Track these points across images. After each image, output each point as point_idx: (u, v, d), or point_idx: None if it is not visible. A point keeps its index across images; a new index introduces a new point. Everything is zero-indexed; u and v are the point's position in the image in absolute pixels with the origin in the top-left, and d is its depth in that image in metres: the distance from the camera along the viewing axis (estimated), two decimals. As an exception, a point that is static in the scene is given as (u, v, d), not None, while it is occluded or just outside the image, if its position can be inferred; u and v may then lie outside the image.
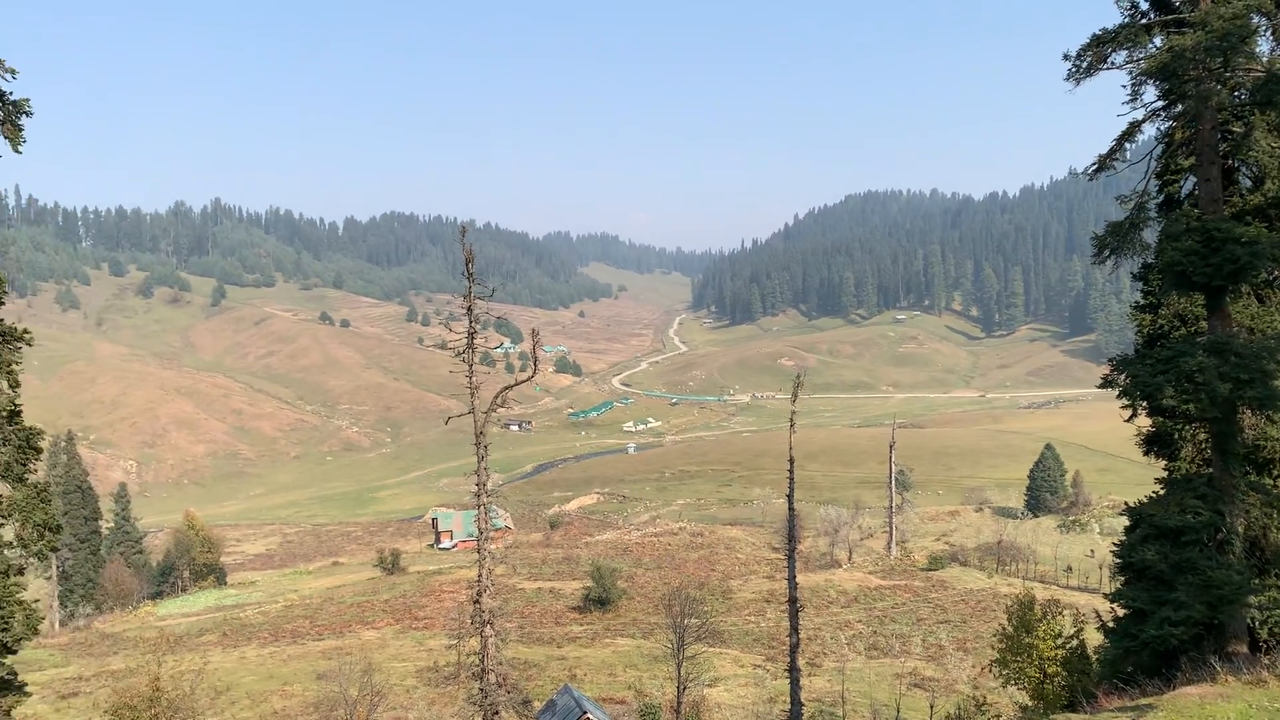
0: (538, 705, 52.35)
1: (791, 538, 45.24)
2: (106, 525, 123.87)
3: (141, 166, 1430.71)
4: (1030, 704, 32.99)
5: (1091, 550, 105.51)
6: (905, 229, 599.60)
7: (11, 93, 25.94)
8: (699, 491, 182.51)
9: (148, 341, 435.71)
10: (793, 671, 43.08)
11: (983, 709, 37.30)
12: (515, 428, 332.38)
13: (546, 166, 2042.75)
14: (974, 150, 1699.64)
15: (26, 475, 26.68)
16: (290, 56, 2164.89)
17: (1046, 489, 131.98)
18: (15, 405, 26.65)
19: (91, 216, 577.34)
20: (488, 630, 36.53)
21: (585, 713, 41.90)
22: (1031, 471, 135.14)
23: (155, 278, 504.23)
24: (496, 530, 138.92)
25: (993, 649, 36.81)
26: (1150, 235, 25.82)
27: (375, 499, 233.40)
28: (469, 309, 35.53)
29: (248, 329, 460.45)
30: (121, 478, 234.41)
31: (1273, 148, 23.33)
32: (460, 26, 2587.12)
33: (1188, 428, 25.71)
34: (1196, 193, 24.86)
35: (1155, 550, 23.06)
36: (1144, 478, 41.44)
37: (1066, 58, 24.46)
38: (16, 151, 26.33)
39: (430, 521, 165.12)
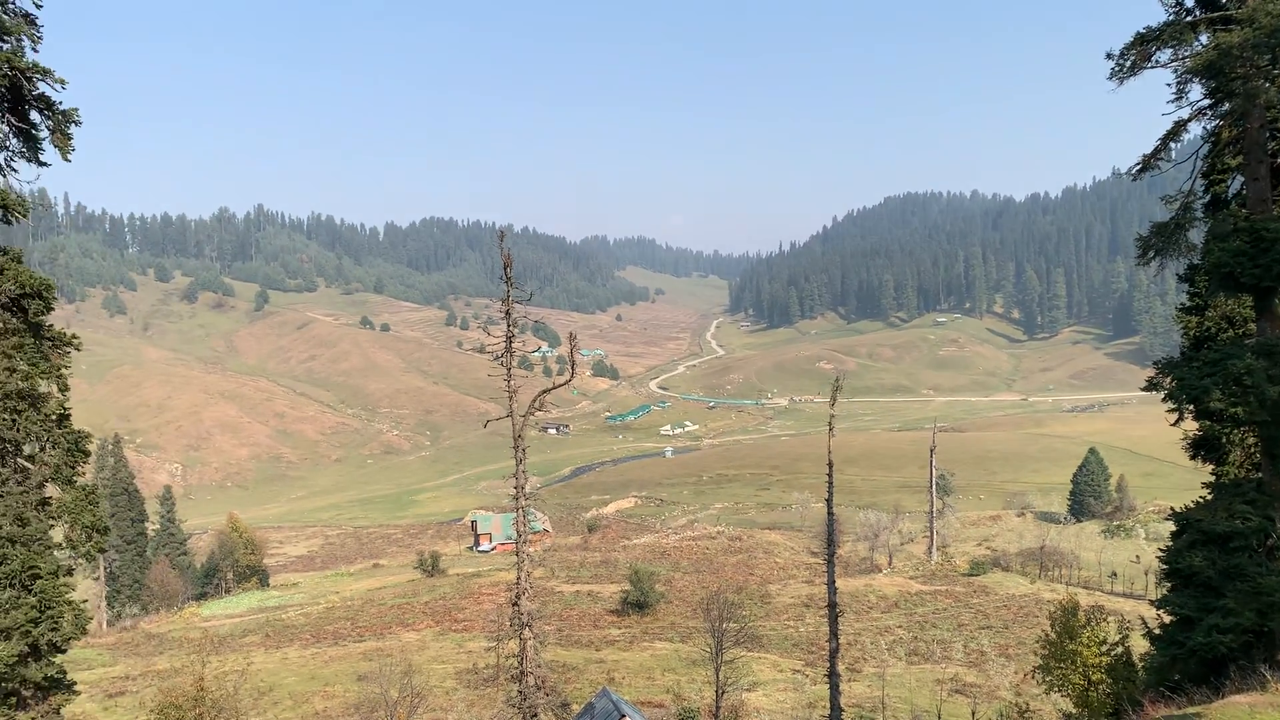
0: (576, 708, 52.40)
1: (831, 542, 44.97)
2: (152, 527, 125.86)
3: (186, 173, 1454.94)
4: (1074, 712, 32.53)
5: (1137, 556, 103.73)
6: (945, 231, 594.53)
7: (60, 102, 26.49)
8: (737, 495, 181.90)
9: (192, 346, 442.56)
10: (832, 676, 42.79)
11: (1026, 716, 36.80)
12: (553, 431, 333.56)
13: (584, 171, 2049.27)
14: (1015, 151, 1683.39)
15: (75, 478, 27.17)
16: (331, 65, 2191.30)
17: (1090, 494, 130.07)
18: (64, 409, 27.16)
19: (138, 223, 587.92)
20: (526, 633, 36.67)
21: (623, 716, 41.83)
22: (1075, 476, 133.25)
23: (200, 283, 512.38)
24: (535, 533, 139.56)
25: (1036, 655, 36.35)
26: (1196, 236, 25.40)
27: (415, 501, 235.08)
28: (507, 313, 35.72)
29: (290, 333, 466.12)
30: (167, 480, 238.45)
31: (1323, 146, 22.88)
32: (495, 33, 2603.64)
33: (1236, 431, 25.22)
34: (1244, 192, 24.41)
35: (1203, 556, 22.67)
36: (1190, 482, 40.71)
37: (1109, 56, 24.12)
38: (65, 160, 26.86)
39: (469, 524, 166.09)
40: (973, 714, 52.01)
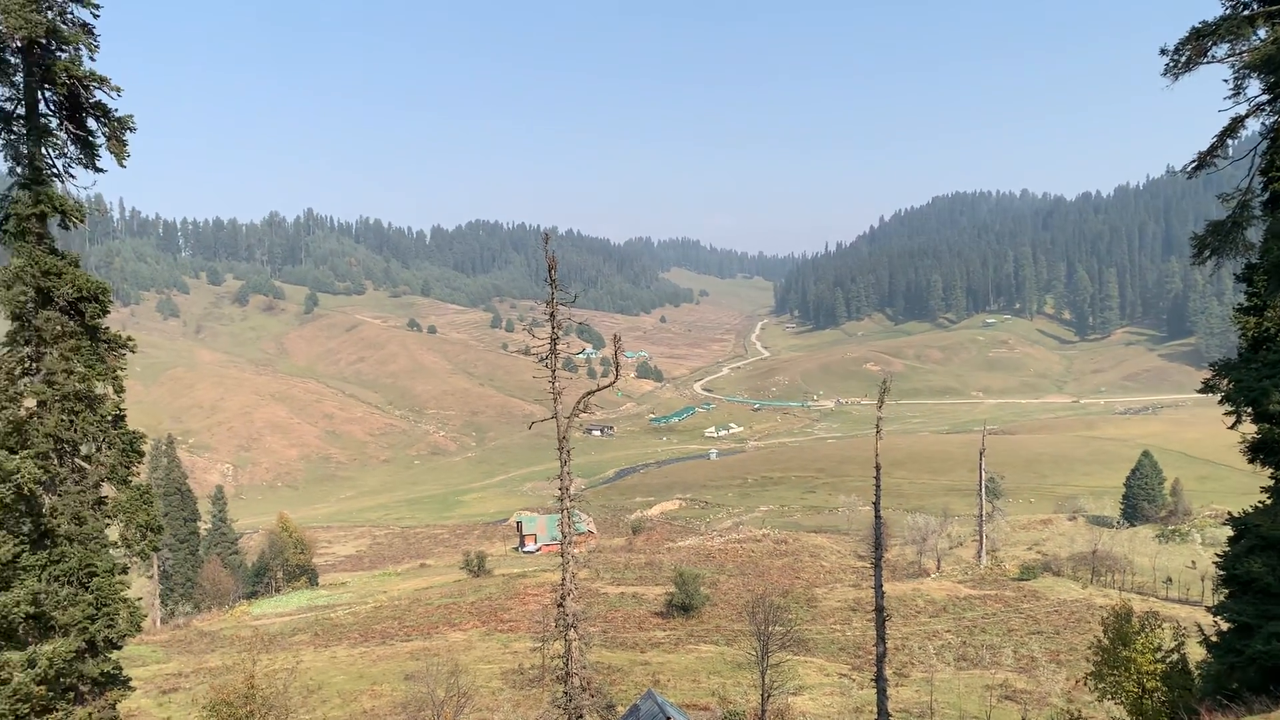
0: (621, 710, 52.40)
1: (878, 546, 44.56)
2: (204, 526, 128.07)
3: (237, 178, 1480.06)
4: (1128, 720, 31.95)
5: (1193, 561, 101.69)
6: (995, 231, 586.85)
7: (116, 109, 27.06)
8: (782, 498, 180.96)
9: (244, 348, 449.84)
10: (879, 681, 42.40)
11: (1077, 724, 36.21)
12: (597, 433, 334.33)
13: (628, 172, 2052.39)
14: (1066, 150, 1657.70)
15: (130, 478, 27.69)
16: (379, 72, 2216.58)
17: (1144, 497, 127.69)
18: (120, 410, 27.69)
19: (190, 227, 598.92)
20: (572, 634, 36.76)
21: (668, 718, 41.78)
22: (1128, 479, 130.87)
23: (251, 286, 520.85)
24: (579, 535, 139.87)
25: (1088, 662, 35.75)
26: (1255, 234, 24.82)
27: (461, 502, 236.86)
28: (552, 315, 35.85)
29: (339, 335, 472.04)
30: (219, 480, 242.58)
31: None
32: (538, 38, 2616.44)
33: (1296, 435, 24.59)
34: (1305, 189, 23.80)
35: (1262, 562, 22.15)
36: (1248, 486, 39.78)
37: (1164, 52, 23.67)
38: (121, 166, 27.43)
39: (515, 525, 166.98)
40: (1023, 721, 51.30)
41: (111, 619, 26.48)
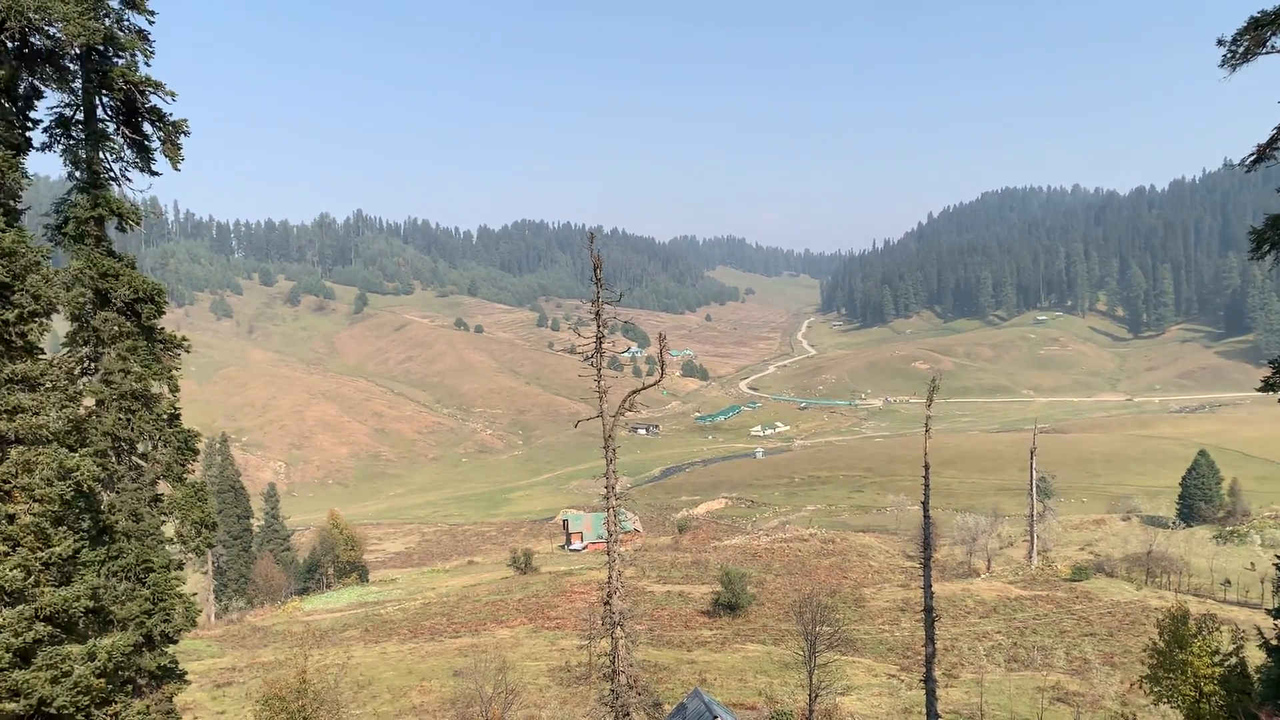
0: (668, 708, 52.39)
1: (927, 545, 44.11)
2: (257, 523, 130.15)
3: (289, 180, 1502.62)
4: (1185, 725, 31.33)
5: (1252, 563, 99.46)
6: (1046, 226, 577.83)
7: (171, 114, 27.58)
8: (829, 497, 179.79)
9: (295, 347, 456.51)
10: (928, 682, 41.98)
11: (1132, 728, 35.58)
12: (643, 431, 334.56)
13: (674, 171, 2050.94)
14: (1118, 144, 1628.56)
15: (185, 475, 28.23)
16: (428, 75, 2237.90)
17: (1201, 497, 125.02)
18: (175, 409, 28.23)
19: (243, 229, 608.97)
20: (618, 632, 36.79)
21: (715, 717, 41.68)
22: (1184, 479, 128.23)
23: (302, 287, 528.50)
24: (625, 533, 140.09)
25: (1143, 664, 35.18)
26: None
27: (508, 500, 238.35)
28: (597, 314, 35.89)
29: (388, 335, 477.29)
30: (271, 478, 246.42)
31: None
32: (582, 40, 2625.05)
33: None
34: (1370, 181, 23.12)
35: (1325, 565, 21.57)
36: (1311, 487, 38.83)
37: (1221, 43, 23.14)
38: (176, 169, 27.96)
39: (561, 523, 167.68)
40: (1076, 724, 50.53)
41: (168, 614, 27.01)
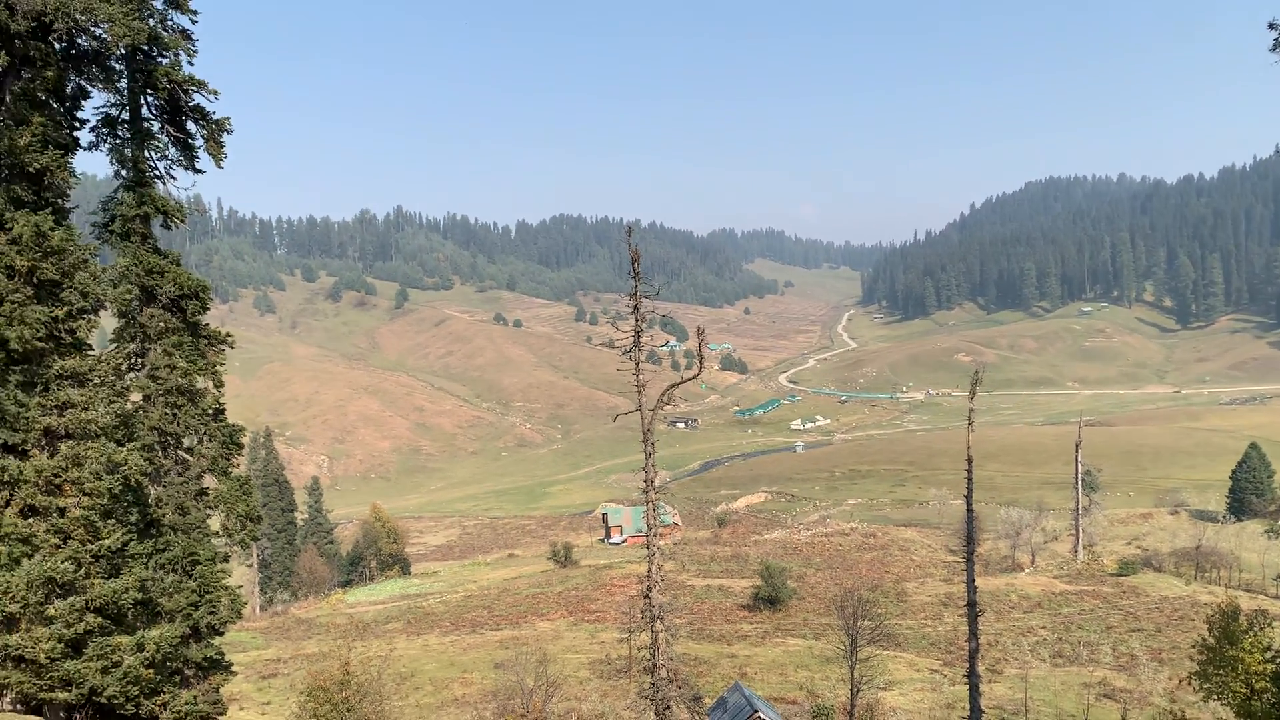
0: (708, 702, 52.36)
1: (970, 540, 43.60)
2: (301, 517, 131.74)
3: (330, 177, 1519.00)
4: (1236, 722, 30.74)
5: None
6: (1091, 216, 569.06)
7: (214, 112, 27.89)
8: (871, 491, 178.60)
9: (337, 343, 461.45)
10: (972, 677, 41.54)
11: (1181, 725, 34.98)
12: (682, 425, 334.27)
13: (712, 164, 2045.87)
14: (1166, 132, 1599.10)
15: (230, 469, 28.60)
16: (466, 71, 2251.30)
17: (1252, 491, 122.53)
18: (220, 404, 28.60)
19: (285, 225, 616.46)
20: (658, 625, 36.78)
21: (756, 711, 41.62)
22: (1234, 472, 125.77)
23: (343, 282, 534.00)
24: (664, 527, 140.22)
25: (1192, 661, 34.59)
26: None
27: (547, 494, 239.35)
28: (635, 308, 35.84)
29: (428, 330, 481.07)
30: (314, 472, 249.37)
31: None
32: (625, 33, 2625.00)
33: None
34: None
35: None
36: (1368, 481, 37.90)
37: (1273, 27, 22.54)
38: (219, 167, 28.29)
39: (600, 516, 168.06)
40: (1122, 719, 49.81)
41: (214, 606, 27.40)
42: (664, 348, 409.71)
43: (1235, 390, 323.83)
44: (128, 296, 26.76)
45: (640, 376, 35.75)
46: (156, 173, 27.58)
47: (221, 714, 27.83)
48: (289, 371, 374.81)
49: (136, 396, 26.83)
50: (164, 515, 26.74)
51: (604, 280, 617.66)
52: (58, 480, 20.74)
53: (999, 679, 63.10)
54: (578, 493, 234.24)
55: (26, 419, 20.79)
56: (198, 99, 27.45)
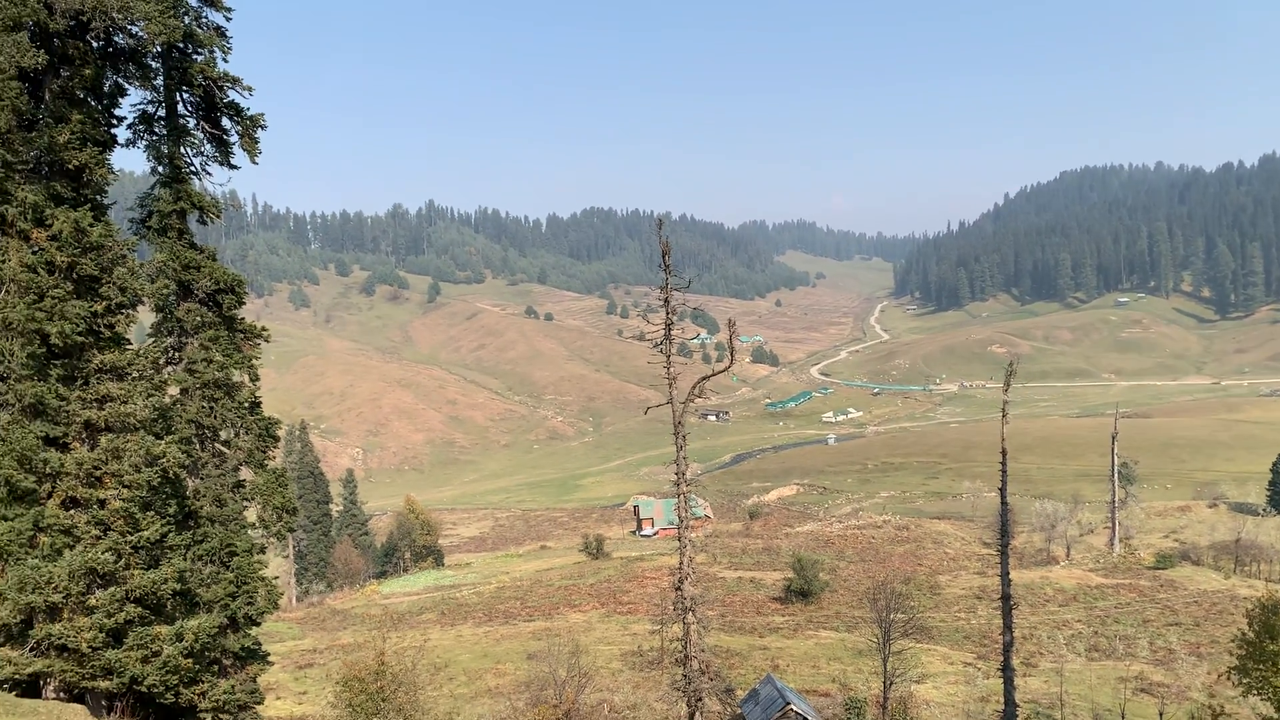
0: (740, 693, 52.34)
1: (1004, 532, 43.29)
2: (336, 508, 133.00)
3: (363, 173, 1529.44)
4: (1275, 717, 30.32)
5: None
6: (1127, 205, 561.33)
7: (249, 108, 28.12)
8: (904, 484, 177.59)
9: (370, 336, 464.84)
10: (1006, 671, 41.28)
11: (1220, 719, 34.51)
12: (713, 418, 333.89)
13: (744, 156, 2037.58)
14: (1204, 120, 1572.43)
15: (266, 462, 28.89)
16: (497, 67, 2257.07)
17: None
18: (256, 397, 28.89)
19: (319, 220, 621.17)
20: (690, 617, 36.84)
21: (788, 703, 41.56)
22: (1275, 465, 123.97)
23: (376, 277, 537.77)
24: (696, 519, 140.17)
25: (1231, 655, 34.09)
26: None
27: (579, 486, 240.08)
28: (666, 300, 35.85)
29: (460, 323, 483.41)
30: (349, 464, 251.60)
31: None
32: (656, 26, 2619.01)
33: None
34: None
35: None
36: None
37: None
38: (254, 162, 28.51)
39: (632, 509, 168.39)
40: (1160, 715, 49.22)
41: (251, 596, 27.73)
42: (695, 340, 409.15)
43: (1275, 381, 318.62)
44: (165, 291, 27.08)
45: (671, 369, 35.78)
46: (192, 169, 27.85)
47: (259, 703, 28.18)
48: (323, 365, 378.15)
49: (174, 390, 27.13)
50: (202, 507, 27.08)
51: (635, 273, 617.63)
52: (98, 473, 21.07)
53: (1034, 673, 62.62)
54: (609, 485, 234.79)
55: (67, 412, 21.12)
56: (232, 95, 27.67)
